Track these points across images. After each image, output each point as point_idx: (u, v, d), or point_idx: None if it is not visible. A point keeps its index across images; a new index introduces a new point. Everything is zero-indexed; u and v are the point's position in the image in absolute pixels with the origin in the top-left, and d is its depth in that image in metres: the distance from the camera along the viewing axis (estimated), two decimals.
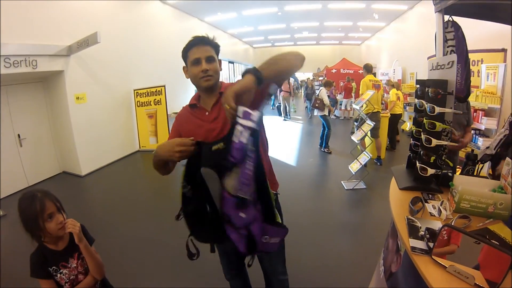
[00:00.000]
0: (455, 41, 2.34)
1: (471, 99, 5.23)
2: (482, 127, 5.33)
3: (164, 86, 8.07)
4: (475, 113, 5.30)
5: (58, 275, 1.56)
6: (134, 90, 8.24)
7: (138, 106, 8.30)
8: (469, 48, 2.35)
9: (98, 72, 6.95)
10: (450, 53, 2.28)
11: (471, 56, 5.66)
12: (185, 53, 1.63)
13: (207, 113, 1.66)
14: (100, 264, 1.68)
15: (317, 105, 7.40)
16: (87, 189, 5.94)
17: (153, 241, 3.72)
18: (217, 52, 1.69)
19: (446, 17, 2.33)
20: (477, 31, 5.68)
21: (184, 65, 1.68)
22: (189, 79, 1.67)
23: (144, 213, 4.54)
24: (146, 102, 8.21)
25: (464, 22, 2.35)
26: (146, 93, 8.19)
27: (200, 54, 1.59)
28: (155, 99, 8.14)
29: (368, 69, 6.44)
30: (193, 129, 1.64)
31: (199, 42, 1.63)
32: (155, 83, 8.26)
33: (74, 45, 5.89)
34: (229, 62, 18.47)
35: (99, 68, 6.97)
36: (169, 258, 3.34)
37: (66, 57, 6.01)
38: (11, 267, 3.21)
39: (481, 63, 5.66)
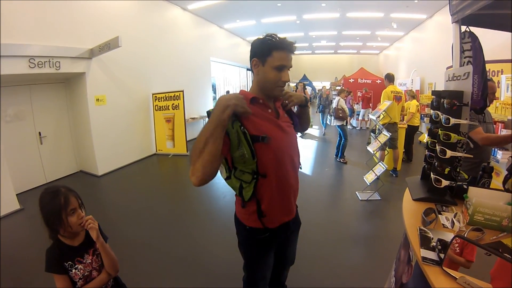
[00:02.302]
0: (472, 52, 2.33)
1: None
2: None
3: (183, 91, 8.18)
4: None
5: (73, 270, 1.59)
6: (153, 94, 8.39)
7: (156, 110, 8.44)
8: (488, 58, 2.34)
9: (118, 75, 7.14)
10: (467, 64, 2.26)
11: (491, 67, 5.56)
12: (270, 50, 1.51)
13: (270, 110, 1.65)
14: (115, 261, 1.72)
15: (340, 115, 7.36)
16: (102, 189, 6.05)
17: (163, 244, 3.76)
18: None
19: (463, 28, 2.32)
20: (497, 41, 5.59)
21: (257, 58, 1.56)
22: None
23: (157, 216, 4.59)
24: (164, 106, 8.35)
25: (483, 32, 2.34)
26: (164, 98, 8.32)
27: (287, 63, 1.56)
28: (173, 104, 8.26)
29: (390, 78, 6.29)
30: (260, 121, 1.58)
31: (290, 48, 1.55)
32: (173, 88, 8.40)
33: (96, 48, 6.08)
34: (247, 69, 18.55)
35: (119, 71, 7.16)
36: (179, 262, 3.37)
37: (88, 59, 6.21)
38: (27, 261, 3.29)
39: (501, 74, 5.53)
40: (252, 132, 1.51)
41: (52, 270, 1.55)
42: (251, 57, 1.58)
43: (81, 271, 1.61)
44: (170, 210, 4.84)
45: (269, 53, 1.51)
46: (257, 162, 1.53)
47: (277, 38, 1.53)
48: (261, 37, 1.56)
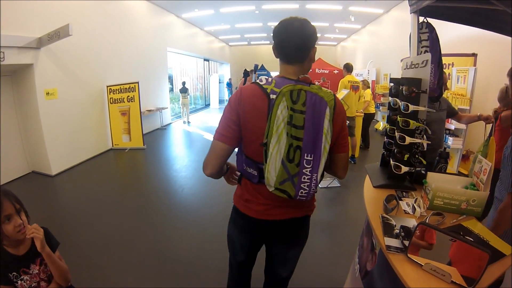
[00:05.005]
0: (429, 42, 2.38)
1: None
2: (452, 127, 5.58)
3: (138, 82, 7.88)
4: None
5: (19, 281, 1.45)
6: (107, 87, 7.97)
7: (111, 103, 8.03)
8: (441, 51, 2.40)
9: (70, 66, 6.64)
10: (424, 53, 2.31)
11: (443, 60, 5.88)
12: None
13: None
14: (64, 271, 1.57)
15: None
16: (57, 189, 5.65)
17: (125, 242, 3.60)
18: None
19: (421, 19, 2.37)
20: (449, 36, 5.90)
21: (315, 46, 1.47)
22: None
23: (116, 214, 4.39)
24: (119, 99, 7.97)
25: (437, 27, 2.40)
26: (119, 90, 7.94)
27: None
28: (128, 96, 7.91)
29: (349, 68, 6.45)
30: None
31: None
32: (128, 80, 8.05)
33: (44, 37, 5.57)
34: (205, 59, 18.24)
35: (71, 62, 6.67)
36: (141, 259, 3.24)
37: (36, 49, 5.68)
38: None
39: (452, 67, 5.87)
40: None
41: None
42: (314, 45, 1.46)
43: (28, 282, 1.47)
44: (129, 206, 4.64)
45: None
46: None
47: None
48: (310, 22, 1.43)
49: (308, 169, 1.30)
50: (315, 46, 1.45)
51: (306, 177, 1.31)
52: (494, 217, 1.75)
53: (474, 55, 5.51)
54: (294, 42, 1.39)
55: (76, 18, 6.21)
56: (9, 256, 1.46)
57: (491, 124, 2.96)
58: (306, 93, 1.28)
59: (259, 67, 14.53)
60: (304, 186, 1.32)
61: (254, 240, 1.72)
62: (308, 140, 1.28)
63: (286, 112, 1.26)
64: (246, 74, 9.11)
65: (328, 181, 5.21)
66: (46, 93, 5.98)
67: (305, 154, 1.28)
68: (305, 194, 1.34)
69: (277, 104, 1.27)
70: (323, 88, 1.34)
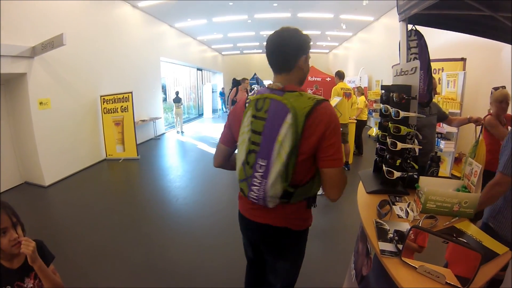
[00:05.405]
0: (418, 49, 2.43)
1: None
2: (444, 131, 5.64)
3: (131, 92, 7.87)
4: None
5: None
6: (101, 96, 7.94)
7: (104, 113, 8.01)
8: (430, 57, 2.45)
9: (63, 76, 6.61)
10: (413, 60, 2.36)
11: (433, 65, 6.01)
12: (309, 45, 1.51)
13: None
14: (58, 285, 1.55)
15: None
16: (50, 200, 5.58)
17: (119, 253, 3.57)
18: None
19: (410, 26, 2.42)
20: (438, 42, 6.01)
21: (305, 55, 1.48)
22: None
23: (110, 225, 4.34)
24: (113, 108, 7.95)
25: (426, 33, 2.45)
26: (113, 100, 7.93)
27: None
28: (122, 106, 7.90)
29: (341, 76, 6.53)
30: None
31: None
32: (122, 89, 8.04)
33: (38, 46, 5.55)
34: (198, 69, 18.26)
35: (65, 72, 6.64)
36: (135, 270, 3.21)
37: (30, 59, 5.65)
38: None
39: (442, 71, 5.96)
40: None
41: None
42: (302, 54, 1.46)
43: None
44: (123, 217, 4.61)
45: (309, 47, 1.51)
46: None
47: None
48: (299, 31, 1.47)
49: (260, 174, 1.35)
50: (307, 54, 1.48)
51: (257, 181, 1.36)
52: (483, 191, 1.75)
53: (463, 59, 5.62)
54: (277, 52, 1.45)
55: (70, 28, 6.19)
56: (3, 269, 1.43)
57: (480, 126, 3.01)
58: (271, 101, 1.34)
59: (253, 75, 14.50)
60: (254, 189, 1.38)
61: (248, 238, 1.80)
62: (264, 146, 1.34)
63: (250, 119, 1.39)
64: (237, 83, 9.16)
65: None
66: (39, 103, 5.93)
67: (259, 159, 1.35)
68: (255, 197, 1.40)
69: (245, 112, 1.42)
70: (306, 94, 1.38)
